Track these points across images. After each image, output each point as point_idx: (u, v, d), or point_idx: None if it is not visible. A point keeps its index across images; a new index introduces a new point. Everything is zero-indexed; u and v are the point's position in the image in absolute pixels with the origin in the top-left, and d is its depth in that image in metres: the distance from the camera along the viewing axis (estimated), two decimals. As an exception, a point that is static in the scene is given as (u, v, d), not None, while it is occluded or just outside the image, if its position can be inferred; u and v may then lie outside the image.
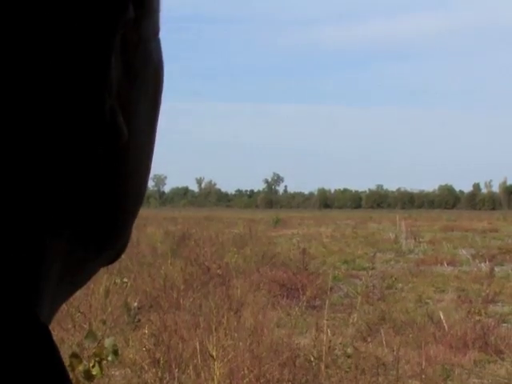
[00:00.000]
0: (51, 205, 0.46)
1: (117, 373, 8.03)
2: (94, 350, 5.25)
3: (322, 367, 7.96)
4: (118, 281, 12.09)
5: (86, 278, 0.53)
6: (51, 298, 0.49)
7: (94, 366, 5.11)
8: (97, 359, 5.16)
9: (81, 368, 5.01)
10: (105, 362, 5.28)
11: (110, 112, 0.46)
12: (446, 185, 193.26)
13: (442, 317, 11.17)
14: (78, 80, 0.45)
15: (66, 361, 5.02)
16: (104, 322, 8.47)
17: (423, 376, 8.14)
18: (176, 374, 7.76)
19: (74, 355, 5.09)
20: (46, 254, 0.47)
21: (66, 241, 0.48)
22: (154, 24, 0.52)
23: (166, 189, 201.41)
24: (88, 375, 5.09)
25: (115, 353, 5.30)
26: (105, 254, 0.53)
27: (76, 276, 0.52)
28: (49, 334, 0.45)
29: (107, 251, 0.53)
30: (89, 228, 0.49)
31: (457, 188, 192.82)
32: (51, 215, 0.46)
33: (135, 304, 10.65)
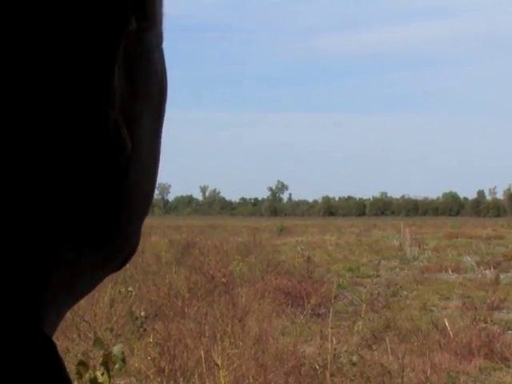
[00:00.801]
0: (57, 216, 0.46)
1: (122, 382, 8.03)
2: (101, 358, 5.25)
3: (328, 375, 7.95)
4: (123, 290, 12.09)
5: (92, 287, 0.54)
6: (57, 307, 0.49)
7: (103, 374, 5.11)
8: (104, 367, 5.16)
9: (87, 376, 5.01)
10: (112, 370, 5.28)
11: (113, 125, 0.46)
12: (451, 192, 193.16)
13: (447, 324, 11.15)
14: (82, 93, 0.45)
15: (73, 369, 5.02)
16: (111, 330, 8.48)
17: (429, 384, 8.12)
18: (181, 383, 7.76)
19: (82, 363, 5.09)
20: (51, 264, 0.47)
21: (72, 252, 0.48)
22: (157, 35, 0.52)
23: (170, 197, 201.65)
24: (95, 383, 5.09)
25: (123, 360, 5.30)
26: (110, 263, 0.53)
27: (82, 285, 0.52)
28: (53, 346, 0.45)
29: (112, 260, 0.53)
30: (94, 239, 0.49)
31: (461, 195, 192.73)
32: (57, 227, 0.46)
33: (142, 313, 10.65)
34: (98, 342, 5.52)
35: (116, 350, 5.31)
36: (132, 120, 0.49)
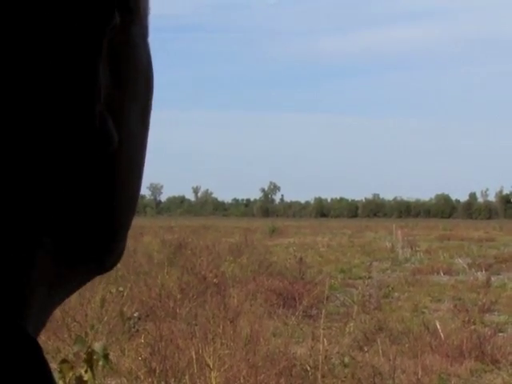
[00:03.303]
0: (41, 215, 0.45)
1: (112, 382, 8.01)
2: (84, 356, 5.21)
3: (319, 376, 7.95)
4: (114, 290, 12.06)
5: (79, 286, 0.53)
6: (42, 307, 0.48)
7: (86, 372, 5.07)
8: (88, 365, 5.11)
9: (71, 374, 4.97)
10: (95, 367, 5.24)
11: (99, 118, 0.46)
12: (443, 194, 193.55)
13: (438, 326, 11.16)
14: (66, 87, 0.44)
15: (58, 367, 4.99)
16: (102, 331, 8.45)
17: (420, 385, 8.13)
18: (172, 384, 7.74)
19: (64, 361, 5.05)
20: (33, 263, 0.46)
21: (56, 251, 0.47)
22: (143, 28, 0.51)
23: (163, 198, 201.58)
24: (80, 382, 5.04)
25: (106, 357, 5.25)
26: (99, 262, 0.52)
27: (68, 285, 0.51)
28: (38, 348, 0.44)
29: (102, 259, 0.52)
30: (81, 238, 0.48)
31: (453, 197, 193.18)
32: (41, 226, 0.45)
33: (135, 314, 10.63)
34: (79, 339, 5.46)
35: (97, 346, 5.25)
36: (119, 114, 0.48)
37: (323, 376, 8.05)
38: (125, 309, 11.02)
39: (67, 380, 4.94)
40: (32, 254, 0.46)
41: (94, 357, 5.14)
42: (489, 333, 11.04)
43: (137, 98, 0.51)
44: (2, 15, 0.43)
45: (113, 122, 0.47)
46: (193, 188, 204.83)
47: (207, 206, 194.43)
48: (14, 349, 0.43)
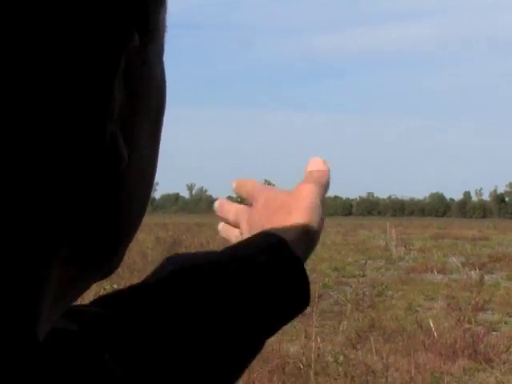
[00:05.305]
0: (51, 230, 0.45)
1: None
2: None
3: (312, 374, 7.96)
4: (108, 287, 12.06)
5: (80, 294, 0.53)
6: (50, 313, 0.49)
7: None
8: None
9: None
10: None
11: (110, 138, 0.45)
12: (437, 192, 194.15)
13: (431, 325, 11.17)
14: (80, 107, 0.44)
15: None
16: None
17: (412, 384, 8.14)
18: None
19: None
20: (44, 275, 0.46)
21: (64, 263, 0.47)
22: (159, 47, 0.51)
23: (157, 195, 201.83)
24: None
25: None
26: (102, 271, 0.53)
27: (71, 294, 0.52)
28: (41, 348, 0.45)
29: (104, 269, 0.53)
30: (89, 251, 0.49)
31: (447, 196, 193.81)
32: (51, 239, 0.46)
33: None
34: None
35: None
36: (130, 132, 0.48)
37: (316, 374, 8.07)
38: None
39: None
40: (45, 264, 0.46)
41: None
42: (482, 331, 11.06)
43: (149, 116, 0.51)
44: (19, 33, 0.42)
45: (125, 140, 0.47)
46: (187, 185, 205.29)
47: (202, 204, 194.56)
48: (20, 350, 0.43)
